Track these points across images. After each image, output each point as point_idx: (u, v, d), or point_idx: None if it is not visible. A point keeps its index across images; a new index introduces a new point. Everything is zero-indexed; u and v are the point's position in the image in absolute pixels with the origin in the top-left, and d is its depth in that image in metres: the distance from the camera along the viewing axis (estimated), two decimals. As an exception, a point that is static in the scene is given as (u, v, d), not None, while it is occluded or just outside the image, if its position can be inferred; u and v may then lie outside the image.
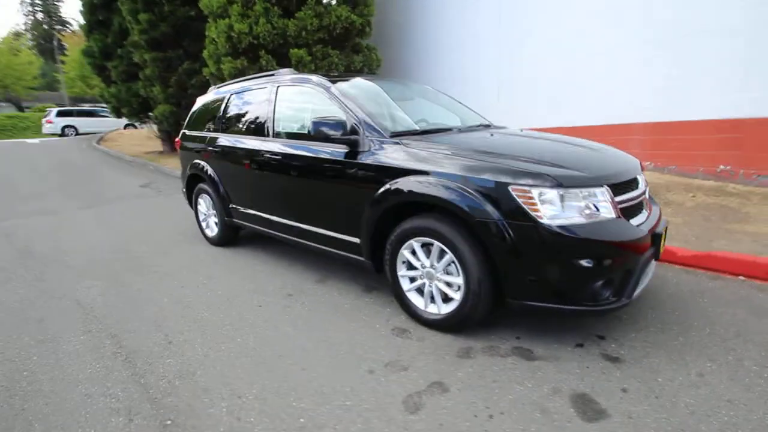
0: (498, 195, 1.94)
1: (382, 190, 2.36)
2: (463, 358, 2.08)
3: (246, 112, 3.58)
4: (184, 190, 4.60)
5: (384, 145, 2.43)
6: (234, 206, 3.78)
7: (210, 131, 3.99)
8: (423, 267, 2.33)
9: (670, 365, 1.94)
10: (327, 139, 2.56)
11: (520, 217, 1.90)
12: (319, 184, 2.80)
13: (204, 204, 4.26)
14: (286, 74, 3.33)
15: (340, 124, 2.49)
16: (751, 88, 4.58)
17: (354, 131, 2.54)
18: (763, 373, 1.85)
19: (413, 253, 2.36)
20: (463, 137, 2.61)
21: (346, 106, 2.66)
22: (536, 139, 2.66)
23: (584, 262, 1.87)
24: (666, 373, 1.89)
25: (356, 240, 2.64)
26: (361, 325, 2.48)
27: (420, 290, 2.43)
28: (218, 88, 4.26)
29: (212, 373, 2.05)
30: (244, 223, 3.75)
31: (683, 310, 2.46)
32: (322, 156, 2.73)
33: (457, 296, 2.20)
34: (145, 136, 17.26)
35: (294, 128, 3.07)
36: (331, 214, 2.77)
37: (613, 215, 1.97)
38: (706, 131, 4.91)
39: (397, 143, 2.40)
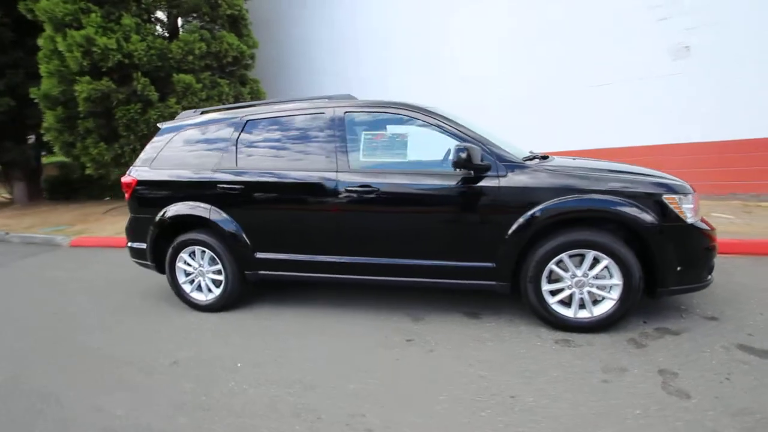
0: (655, 204, 2.40)
1: (536, 209, 2.49)
2: (641, 348, 2.38)
3: (289, 142, 3.02)
4: (143, 246, 3.39)
5: (520, 169, 2.57)
6: (264, 255, 3.06)
7: (215, 168, 3.14)
8: (573, 277, 2.55)
9: (750, 315, 2.70)
10: (461, 166, 2.52)
11: (674, 219, 2.40)
12: (441, 214, 2.67)
13: (193, 260, 3.26)
14: (347, 99, 3.02)
15: (478, 151, 2.51)
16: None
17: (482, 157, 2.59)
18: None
19: (559, 265, 2.56)
20: (567, 160, 2.96)
21: (464, 133, 2.68)
22: (607, 161, 3.22)
23: (709, 249, 2.51)
24: (752, 317, 2.66)
25: (488, 264, 2.64)
26: (522, 347, 2.47)
27: (562, 301, 2.62)
28: (205, 114, 3.41)
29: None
30: (278, 273, 3.09)
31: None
32: (444, 184, 2.64)
33: (613, 295, 2.50)
34: None
35: (391, 158, 2.82)
36: (458, 243, 2.67)
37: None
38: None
39: (535, 167, 2.60)
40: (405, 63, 8.68)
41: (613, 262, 2.45)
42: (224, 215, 3.09)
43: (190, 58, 7.34)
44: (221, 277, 3.21)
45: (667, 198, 2.42)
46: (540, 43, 7.03)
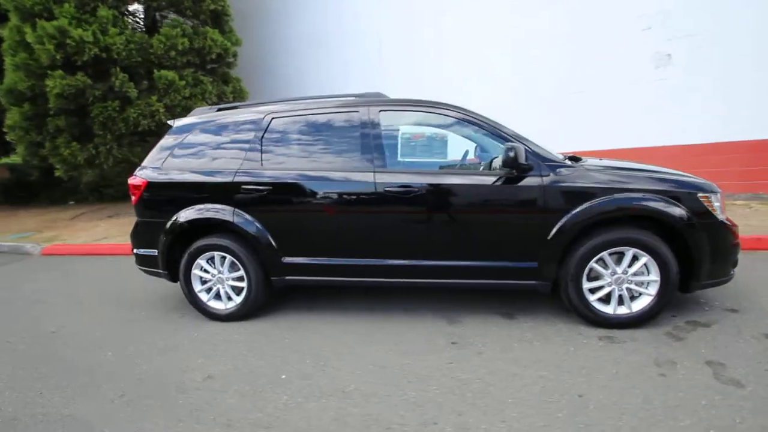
0: (691, 202, 2.50)
1: (581, 208, 2.52)
2: (680, 341, 2.47)
3: (319, 141, 2.90)
4: (153, 253, 3.14)
5: (562, 169, 2.61)
6: (292, 260, 2.93)
7: (238, 168, 2.96)
8: (613, 274, 2.60)
9: (766, 305, 2.89)
10: (509, 166, 2.52)
11: (708, 217, 2.51)
12: (485, 215, 2.67)
13: (212, 267, 3.06)
14: (378, 97, 2.93)
15: (523, 151, 2.51)
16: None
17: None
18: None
19: (599, 263, 2.60)
20: (598, 161, 3.01)
21: (506, 133, 2.68)
22: (632, 162, 3.27)
23: (734, 245, 2.64)
24: None
25: (531, 264, 2.65)
26: (570, 345, 2.49)
27: (600, 298, 2.67)
28: (222, 111, 3.20)
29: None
30: (307, 278, 2.97)
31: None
32: (487, 184, 2.63)
33: (651, 291, 2.58)
34: None
35: (430, 157, 2.77)
36: (501, 243, 2.66)
37: None
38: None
39: (577, 166, 2.63)
40: (396, 63, 8.66)
41: (651, 259, 2.53)
42: (249, 218, 2.93)
43: (173, 53, 6.96)
44: (243, 284, 3.04)
45: (701, 196, 2.53)
46: (527, 48, 7.24)
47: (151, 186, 3.12)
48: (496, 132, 2.69)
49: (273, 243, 2.93)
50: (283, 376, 2.32)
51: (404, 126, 2.86)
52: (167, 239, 3.07)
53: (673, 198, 2.50)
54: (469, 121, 2.76)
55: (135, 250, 3.28)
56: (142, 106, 6.63)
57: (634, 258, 2.56)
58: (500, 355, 2.42)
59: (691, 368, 2.18)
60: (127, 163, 7.07)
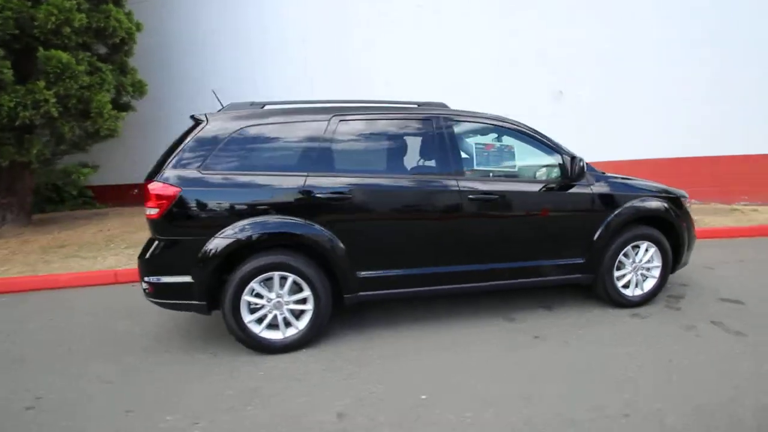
0: (681, 205, 3.34)
1: (619, 210, 3.10)
2: (679, 310, 3.25)
3: (392, 147, 2.83)
4: (184, 280, 2.52)
5: (602, 179, 3.18)
6: (368, 274, 2.76)
7: (308, 173, 2.61)
8: (632, 263, 3.25)
9: (704, 280, 3.93)
10: (579, 176, 2.97)
11: (687, 216, 3.39)
12: (551, 218, 3.03)
13: (267, 291, 2.62)
14: (442, 107, 3.03)
15: (585, 164, 2.96)
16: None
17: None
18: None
19: (624, 255, 3.23)
20: (612, 173, 3.64)
21: (563, 147, 3.08)
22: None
23: (695, 236, 3.60)
24: (707, 282, 3.89)
25: (579, 260, 3.11)
26: (620, 326, 3.00)
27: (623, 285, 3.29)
28: (268, 109, 2.75)
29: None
30: (384, 291, 2.87)
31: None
32: (553, 191, 3.02)
33: (655, 274, 3.31)
34: None
35: (501, 167, 2.95)
36: (562, 243, 3.06)
37: None
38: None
39: (610, 177, 3.23)
40: (322, 72, 8.50)
41: (657, 249, 3.27)
42: (323, 230, 2.63)
43: (66, 30, 5.41)
44: (305, 307, 2.70)
45: (684, 201, 3.40)
46: (452, 73, 8.08)
47: (187, 196, 2.49)
48: (551, 145, 3.09)
49: (349, 256, 2.69)
50: (424, 397, 2.19)
51: (473, 136, 3.02)
52: (213, 261, 2.49)
53: (672, 202, 3.31)
54: (526, 133, 3.09)
55: (151, 279, 2.54)
56: (23, 94, 4.95)
57: (646, 250, 3.27)
58: (581, 342, 2.77)
59: (706, 328, 2.92)
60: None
